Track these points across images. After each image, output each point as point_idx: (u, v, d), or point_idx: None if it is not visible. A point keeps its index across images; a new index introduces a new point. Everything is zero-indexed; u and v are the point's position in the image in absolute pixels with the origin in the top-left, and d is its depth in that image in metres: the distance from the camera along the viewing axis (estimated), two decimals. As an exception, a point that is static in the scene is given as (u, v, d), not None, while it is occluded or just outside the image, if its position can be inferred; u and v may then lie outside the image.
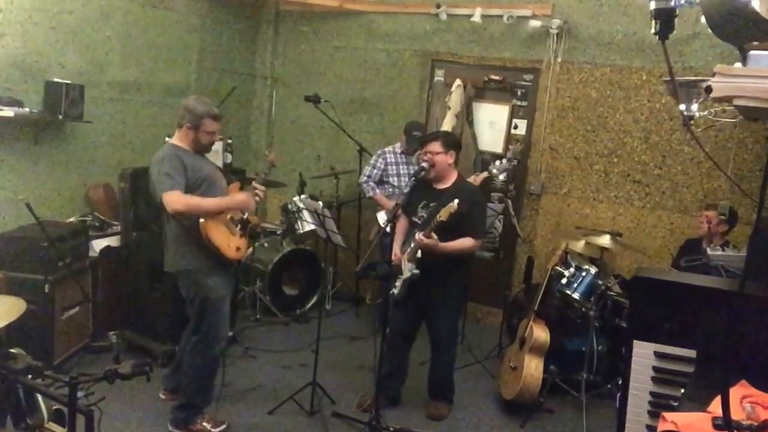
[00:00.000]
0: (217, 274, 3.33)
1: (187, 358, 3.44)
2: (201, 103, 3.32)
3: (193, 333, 3.40)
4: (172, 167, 3.15)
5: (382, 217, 5.01)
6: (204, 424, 3.41)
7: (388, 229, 4.27)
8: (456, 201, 3.36)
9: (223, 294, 3.37)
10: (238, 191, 3.53)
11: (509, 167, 4.80)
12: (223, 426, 3.45)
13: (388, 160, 5.08)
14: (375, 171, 5.09)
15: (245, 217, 3.46)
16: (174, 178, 3.13)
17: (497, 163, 4.74)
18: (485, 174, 4.88)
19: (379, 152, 5.15)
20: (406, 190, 4.90)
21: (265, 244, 5.43)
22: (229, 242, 3.33)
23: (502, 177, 5.05)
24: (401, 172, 5.06)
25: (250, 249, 3.59)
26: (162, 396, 3.74)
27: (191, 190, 3.22)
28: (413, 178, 3.82)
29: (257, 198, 3.49)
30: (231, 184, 3.56)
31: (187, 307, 3.41)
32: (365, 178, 5.10)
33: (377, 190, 5.06)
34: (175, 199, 3.09)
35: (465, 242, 3.62)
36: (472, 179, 4.77)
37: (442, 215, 3.39)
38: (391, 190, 5.05)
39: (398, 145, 5.14)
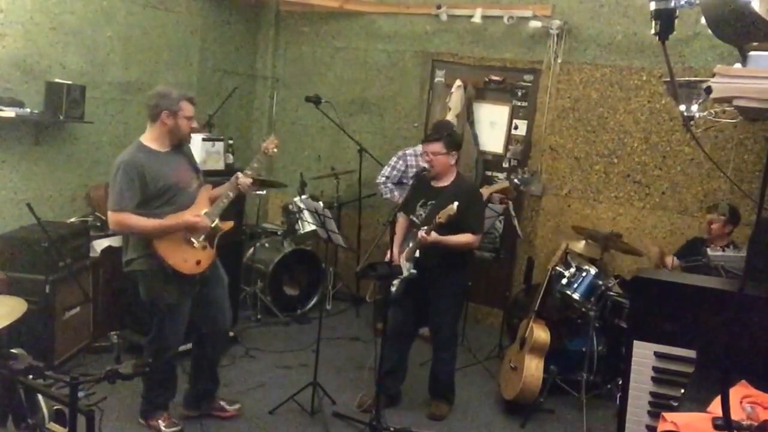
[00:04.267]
0: (170, 280, 3.17)
1: (144, 353, 3.40)
2: (173, 88, 3.19)
3: (145, 331, 3.36)
4: (128, 180, 3.02)
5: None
6: (159, 421, 3.37)
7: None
8: (455, 204, 3.38)
9: (177, 299, 3.22)
10: (208, 195, 3.35)
11: (530, 178, 4.71)
12: (176, 428, 3.37)
13: (409, 163, 4.93)
14: (394, 172, 4.93)
15: (214, 224, 3.27)
16: (124, 195, 3.02)
17: (519, 171, 4.67)
18: (505, 184, 4.81)
19: (399, 153, 5.00)
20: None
21: (266, 245, 5.43)
22: (185, 257, 3.17)
23: (523, 188, 4.96)
24: None
25: (209, 261, 3.31)
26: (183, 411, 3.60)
27: (151, 200, 3.10)
28: (414, 178, 3.83)
29: (240, 189, 3.32)
30: (202, 188, 3.35)
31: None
32: (383, 178, 4.94)
33: (395, 192, 4.91)
34: (115, 220, 3.05)
35: (465, 237, 3.63)
36: (485, 190, 4.73)
37: (441, 217, 3.41)
38: None
39: (420, 147, 5.04)
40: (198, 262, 3.22)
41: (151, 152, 3.15)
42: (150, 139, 3.20)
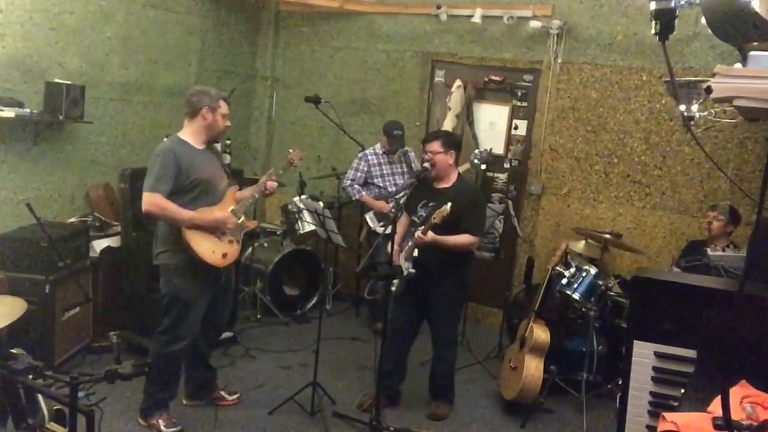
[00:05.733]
0: (193, 276, 3.29)
1: (150, 348, 3.45)
2: (211, 88, 3.41)
3: (160, 324, 3.39)
4: (164, 166, 3.15)
5: (371, 217, 5.02)
6: (159, 421, 3.39)
7: (379, 230, 4.28)
8: (449, 205, 3.41)
9: (196, 296, 3.33)
10: (235, 195, 3.50)
11: (489, 157, 4.81)
12: (176, 428, 3.39)
13: (371, 162, 5.08)
14: (358, 174, 5.08)
15: (240, 221, 3.42)
16: (162, 178, 3.14)
17: (476, 152, 4.77)
18: (465, 166, 4.88)
19: (360, 155, 5.16)
20: (397, 190, 4.95)
21: (266, 245, 5.43)
22: (214, 249, 3.29)
23: (484, 167, 5.04)
24: (385, 172, 5.07)
25: (235, 256, 3.48)
26: (184, 401, 3.72)
27: (183, 192, 3.21)
28: (414, 178, 3.84)
29: (266, 192, 3.52)
30: (230, 187, 3.52)
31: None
32: (349, 181, 5.10)
33: (363, 192, 5.06)
34: (150, 201, 3.13)
35: (463, 238, 3.64)
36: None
37: (436, 218, 3.43)
38: (377, 191, 5.06)
39: (378, 146, 5.16)
40: (224, 255, 3.35)
41: (188, 146, 3.30)
42: (187, 134, 3.35)
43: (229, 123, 3.43)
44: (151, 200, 3.13)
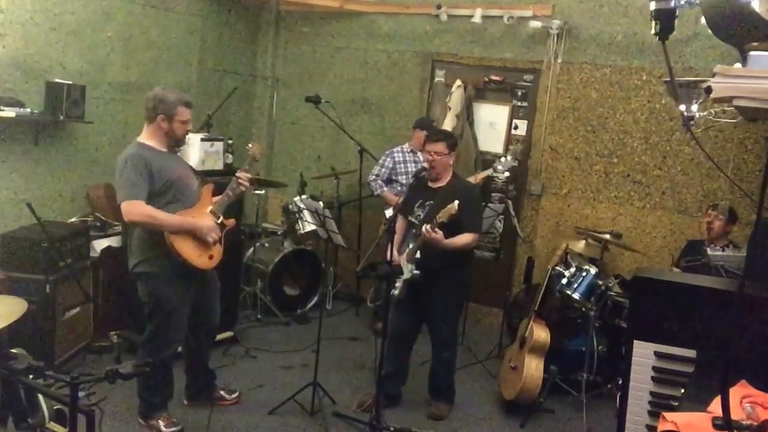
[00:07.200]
0: (177, 282, 3.24)
1: (138, 354, 3.43)
2: (171, 92, 3.21)
3: (144, 332, 3.37)
4: (136, 172, 3.04)
5: (389, 213, 5.03)
6: (159, 421, 3.39)
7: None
8: (456, 203, 3.37)
9: (178, 303, 3.28)
10: (211, 194, 3.44)
11: (513, 164, 4.81)
12: (176, 428, 3.39)
13: (397, 159, 5.13)
14: (383, 170, 5.14)
15: (220, 221, 3.36)
16: (136, 185, 3.03)
17: (502, 160, 4.75)
18: (488, 172, 4.89)
19: (387, 152, 5.22)
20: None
21: (266, 245, 5.43)
22: (200, 252, 3.25)
23: (506, 175, 5.04)
24: (410, 170, 5.06)
25: (220, 256, 3.44)
26: (185, 402, 3.74)
27: (157, 196, 3.13)
28: (414, 178, 3.83)
29: (242, 188, 3.44)
30: (204, 186, 3.44)
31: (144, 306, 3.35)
32: (373, 176, 5.15)
33: (385, 188, 5.10)
34: (133, 210, 3.03)
35: (465, 238, 3.64)
36: (472, 178, 4.80)
37: (443, 216, 3.40)
38: (399, 188, 5.08)
39: (407, 144, 5.21)
40: (210, 257, 3.32)
41: (152, 150, 3.21)
42: (147, 137, 3.25)
43: (189, 129, 3.29)
44: (132, 209, 3.03)
